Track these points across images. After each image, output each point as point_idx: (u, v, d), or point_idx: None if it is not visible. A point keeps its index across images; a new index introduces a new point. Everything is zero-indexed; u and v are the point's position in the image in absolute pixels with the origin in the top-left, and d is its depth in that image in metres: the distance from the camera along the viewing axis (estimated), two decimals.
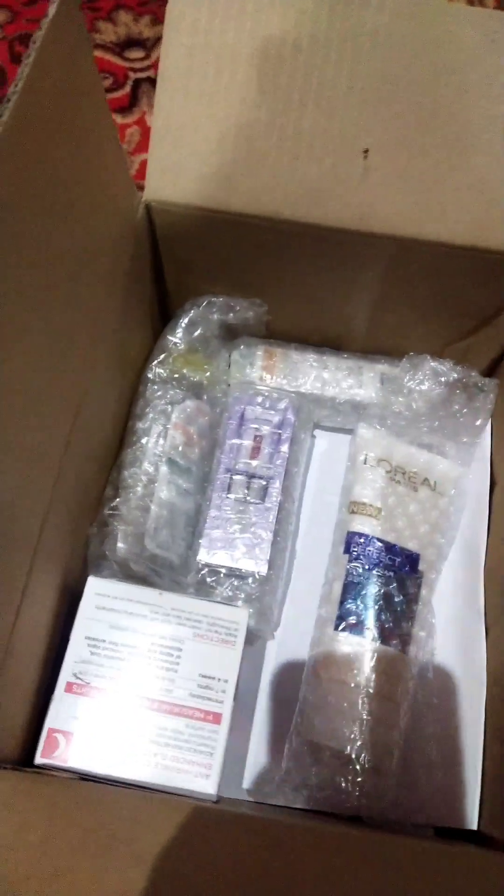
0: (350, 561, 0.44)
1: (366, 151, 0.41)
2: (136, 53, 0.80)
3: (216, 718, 0.36)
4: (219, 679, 0.37)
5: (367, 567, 0.44)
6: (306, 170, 0.41)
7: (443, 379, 0.49)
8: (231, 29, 0.41)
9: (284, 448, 0.47)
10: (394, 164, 0.41)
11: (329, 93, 0.41)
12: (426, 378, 0.48)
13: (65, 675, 0.36)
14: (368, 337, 0.52)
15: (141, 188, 0.43)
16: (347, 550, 0.45)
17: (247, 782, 0.42)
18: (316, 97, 0.41)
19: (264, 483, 0.46)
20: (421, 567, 0.45)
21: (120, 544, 0.42)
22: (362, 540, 0.45)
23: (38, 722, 0.36)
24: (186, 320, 0.49)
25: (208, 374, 0.50)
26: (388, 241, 0.42)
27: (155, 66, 0.78)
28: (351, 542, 0.45)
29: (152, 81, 0.77)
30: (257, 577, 0.43)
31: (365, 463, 0.48)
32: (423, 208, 0.41)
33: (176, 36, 0.41)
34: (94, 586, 0.38)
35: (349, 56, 0.40)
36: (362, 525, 0.45)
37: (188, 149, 0.42)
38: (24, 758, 0.35)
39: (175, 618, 0.38)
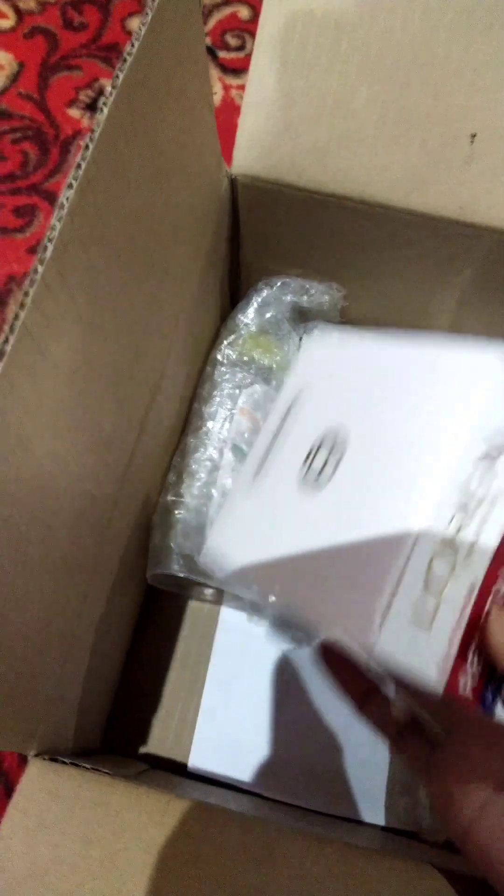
0: None
1: (473, 136, 0.38)
2: None
3: None
4: None
5: None
6: (406, 153, 0.39)
7: None
8: None
9: None
10: (502, 152, 0.38)
11: (438, 72, 0.38)
12: None
13: None
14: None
15: None
16: None
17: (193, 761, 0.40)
18: (423, 75, 0.38)
19: None
20: None
21: (180, 539, 0.41)
22: None
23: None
24: (259, 300, 0.47)
25: (278, 358, 0.48)
26: (488, 234, 0.39)
27: (211, 33, 0.75)
28: None
29: (209, 50, 0.74)
30: None
31: None
32: None
33: (277, 2, 0.39)
34: None
35: (462, 33, 0.37)
36: None
37: (281, 122, 0.40)
38: (104, 750, 0.35)
39: None
